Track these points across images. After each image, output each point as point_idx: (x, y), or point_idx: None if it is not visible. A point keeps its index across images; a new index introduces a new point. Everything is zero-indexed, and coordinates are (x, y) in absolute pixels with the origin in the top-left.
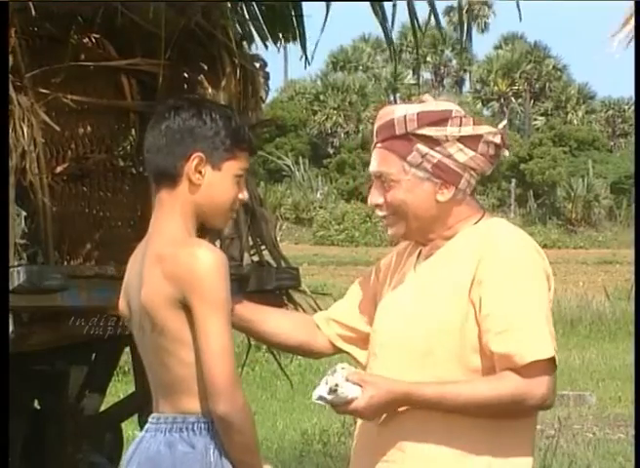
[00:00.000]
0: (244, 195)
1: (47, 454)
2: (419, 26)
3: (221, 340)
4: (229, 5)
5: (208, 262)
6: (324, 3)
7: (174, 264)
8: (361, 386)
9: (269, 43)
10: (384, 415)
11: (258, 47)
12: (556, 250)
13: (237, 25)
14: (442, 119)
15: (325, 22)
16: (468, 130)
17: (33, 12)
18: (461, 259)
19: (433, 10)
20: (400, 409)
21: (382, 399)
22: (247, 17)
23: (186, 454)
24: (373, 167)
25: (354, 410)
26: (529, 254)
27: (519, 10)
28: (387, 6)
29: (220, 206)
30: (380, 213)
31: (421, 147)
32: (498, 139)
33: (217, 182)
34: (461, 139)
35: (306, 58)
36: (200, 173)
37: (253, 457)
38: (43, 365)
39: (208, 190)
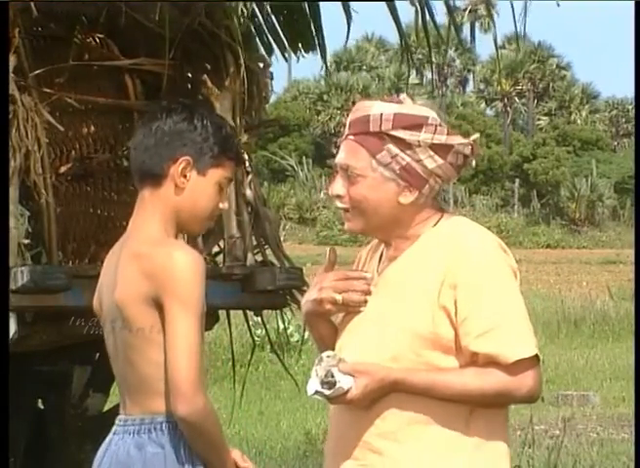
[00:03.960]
0: (224, 205)
1: (50, 454)
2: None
3: (189, 340)
4: (244, 14)
5: (183, 263)
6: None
7: (150, 263)
8: (353, 376)
9: (288, 54)
10: (360, 414)
11: (277, 58)
12: (560, 250)
13: (256, 37)
14: (417, 124)
15: (348, 33)
16: (441, 138)
17: (35, 12)
18: (428, 264)
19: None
20: (376, 410)
21: (376, 387)
22: (266, 29)
23: (156, 455)
24: (340, 158)
25: (350, 401)
26: (496, 253)
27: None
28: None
29: (200, 212)
30: (339, 204)
31: (392, 148)
32: (468, 151)
33: (200, 188)
34: (433, 147)
35: (327, 67)
36: (185, 176)
37: (218, 456)
38: (46, 365)
39: (190, 195)
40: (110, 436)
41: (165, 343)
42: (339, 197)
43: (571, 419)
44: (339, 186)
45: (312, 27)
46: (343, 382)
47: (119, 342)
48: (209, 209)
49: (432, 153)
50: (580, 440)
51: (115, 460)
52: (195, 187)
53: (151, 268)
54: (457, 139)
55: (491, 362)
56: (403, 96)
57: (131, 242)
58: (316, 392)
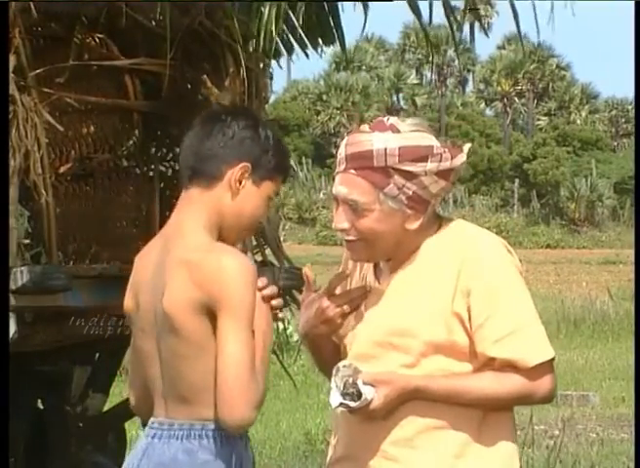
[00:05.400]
0: (264, 219)
1: (50, 454)
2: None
3: (240, 352)
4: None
5: (238, 270)
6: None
7: (201, 270)
8: (374, 386)
9: (309, 51)
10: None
11: (299, 56)
12: (559, 250)
13: (276, 37)
14: (424, 156)
15: (364, 27)
16: (446, 165)
17: (34, 12)
18: (436, 271)
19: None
20: (391, 418)
21: (395, 396)
22: (285, 28)
23: (207, 463)
24: (344, 192)
25: (372, 411)
26: (504, 256)
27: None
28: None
29: (244, 221)
30: (346, 237)
31: (398, 180)
32: (464, 165)
33: (251, 197)
34: (438, 173)
35: (347, 59)
36: (240, 183)
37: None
38: (46, 365)
39: (241, 202)
40: (148, 440)
41: (216, 357)
42: (344, 231)
43: (570, 419)
44: (343, 220)
45: (331, 22)
46: (367, 393)
47: (164, 349)
48: (252, 219)
49: (437, 178)
50: (580, 440)
51: (157, 463)
52: (247, 196)
53: (203, 276)
54: (459, 160)
55: (508, 365)
56: (394, 119)
57: (177, 247)
58: (340, 404)
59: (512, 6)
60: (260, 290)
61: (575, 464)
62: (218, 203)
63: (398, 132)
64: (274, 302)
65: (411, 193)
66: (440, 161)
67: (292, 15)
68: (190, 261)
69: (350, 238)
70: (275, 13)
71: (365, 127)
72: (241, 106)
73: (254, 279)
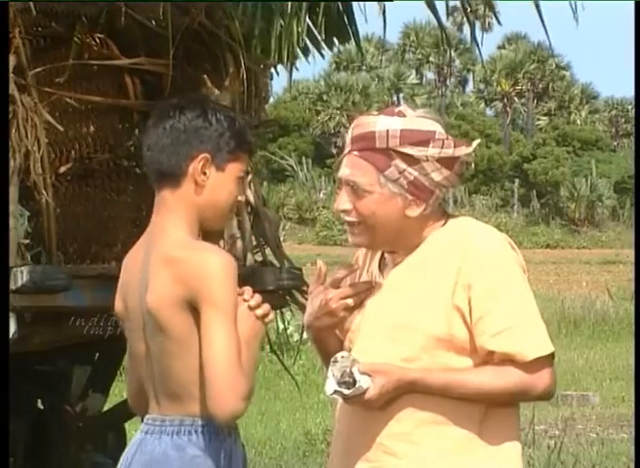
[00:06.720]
0: (242, 197)
1: (50, 454)
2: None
3: (226, 348)
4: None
5: (219, 266)
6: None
7: (185, 267)
8: (370, 375)
9: (324, 50)
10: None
11: (315, 57)
12: (559, 250)
13: (302, 38)
14: (425, 140)
15: (385, 25)
16: (448, 152)
17: (34, 12)
18: (438, 266)
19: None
20: (389, 411)
21: (392, 387)
22: (299, 29)
23: (196, 458)
24: (346, 174)
25: (367, 401)
26: (507, 252)
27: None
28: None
29: (222, 207)
30: (347, 218)
31: (400, 164)
32: (470, 158)
33: (220, 184)
34: (440, 160)
35: (362, 56)
36: (205, 173)
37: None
38: (46, 365)
39: (211, 191)
40: (142, 435)
41: (202, 351)
42: (345, 212)
43: (570, 419)
44: (345, 201)
45: (346, 20)
46: (362, 382)
47: (153, 347)
48: (229, 203)
49: (439, 166)
50: (580, 440)
51: (149, 459)
52: (215, 183)
53: (185, 272)
54: (463, 150)
55: (507, 360)
56: (403, 106)
57: (160, 246)
58: (335, 392)
59: (537, 7)
60: (247, 300)
61: (575, 464)
62: (190, 199)
63: (404, 117)
64: (259, 312)
65: (412, 178)
66: (442, 147)
67: (307, 16)
68: (173, 259)
69: (351, 219)
70: (296, 20)
71: (374, 111)
72: (187, 97)
73: (235, 275)
